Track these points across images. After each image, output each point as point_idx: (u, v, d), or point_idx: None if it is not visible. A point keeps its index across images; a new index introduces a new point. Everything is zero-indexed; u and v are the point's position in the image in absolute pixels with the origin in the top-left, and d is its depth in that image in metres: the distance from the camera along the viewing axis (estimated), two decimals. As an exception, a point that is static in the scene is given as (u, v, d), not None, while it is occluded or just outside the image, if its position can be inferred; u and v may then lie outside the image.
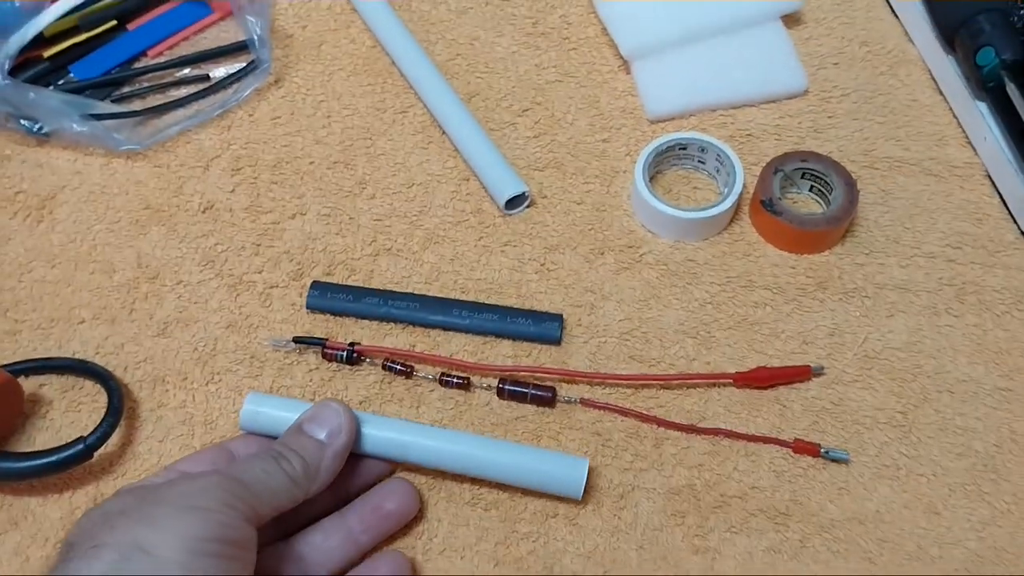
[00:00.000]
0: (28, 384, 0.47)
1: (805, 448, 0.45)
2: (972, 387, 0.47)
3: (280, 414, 0.42)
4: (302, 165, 0.55)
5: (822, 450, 0.45)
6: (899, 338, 0.48)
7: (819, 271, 0.51)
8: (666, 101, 0.56)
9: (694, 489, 0.44)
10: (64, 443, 0.43)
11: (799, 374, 0.47)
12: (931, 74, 0.58)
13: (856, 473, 0.44)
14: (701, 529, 0.43)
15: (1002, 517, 0.43)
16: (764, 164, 0.52)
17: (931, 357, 0.48)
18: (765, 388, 0.47)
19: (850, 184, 0.51)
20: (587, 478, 0.42)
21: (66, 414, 0.47)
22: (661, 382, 0.47)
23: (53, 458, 0.42)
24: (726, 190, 0.51)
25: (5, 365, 0.47)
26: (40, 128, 0.55)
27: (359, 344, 0.47)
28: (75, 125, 0.54)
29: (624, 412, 0.46)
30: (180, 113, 0.57)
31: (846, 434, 0.46)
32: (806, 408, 0.46)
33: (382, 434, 0.43)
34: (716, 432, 0.46)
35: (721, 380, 0.47)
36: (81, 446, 0.43)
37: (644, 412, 0.46)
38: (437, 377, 0.47)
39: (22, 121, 0.55)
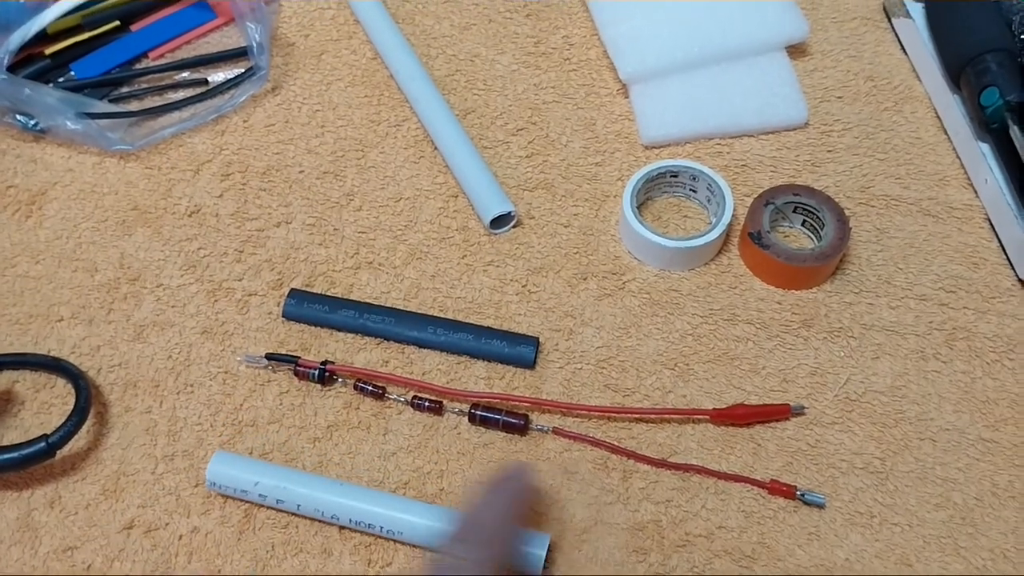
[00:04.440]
0: (1, 380, 0.47)
1: (781, 490, 0.44)
2: (955, 436, 0.45)
3: (245, 476, 0.43)
4: (292, 173, 0.55)
5: (798, 492, 0.44)
6: (883, 381, 0.47)
7: (805, 308, 0.49)
8: (662, 127, 0.55)
9: (659, 526, 0.43)
10: (27, 440, 0.43)
11: (778, 413, 0.46)
12: (936, 112, 0.57)
13: (828, 519, 0.43)
14: (663, 568, 0.42)
15: (977, 574, 0.42)
16: (757, 196, 0.51)
17: (915, 403, 0.46)
18: (742, 426, 0.46)
19: (842, 220, 0.50)
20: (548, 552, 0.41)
21: (37, 414, 0.47)
22: (637, 415, 0.46)
23: (14, 454, 0.42)
24: (715, 220, 0.50)
25: (-23, 359, 0.47)
26: (36, 124, 0.55)
27: (332, 363, 0.47)
28: (69, 123, 0.54)
29: (595, 443, 0.45)
30: (175, 116, 0.57)
31: (821, 477, 0.44)
32: (781, 448, 0.45)
33: (326, 497, 0.42)
34: (688, 468, 0.45)
35: (698, 416, 0.46)
36: (43, 444, 0.42)
37: (615, 444, 0.45)
38: (409, 400, 0.46)
39: (18, 116, 0.55)
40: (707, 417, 0.46)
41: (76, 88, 0.57)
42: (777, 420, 0.46)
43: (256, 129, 0.57)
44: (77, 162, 0.55)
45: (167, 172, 0.55)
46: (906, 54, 0.60)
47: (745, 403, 0.46)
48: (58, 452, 0.43)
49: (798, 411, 0.46)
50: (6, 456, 0.42)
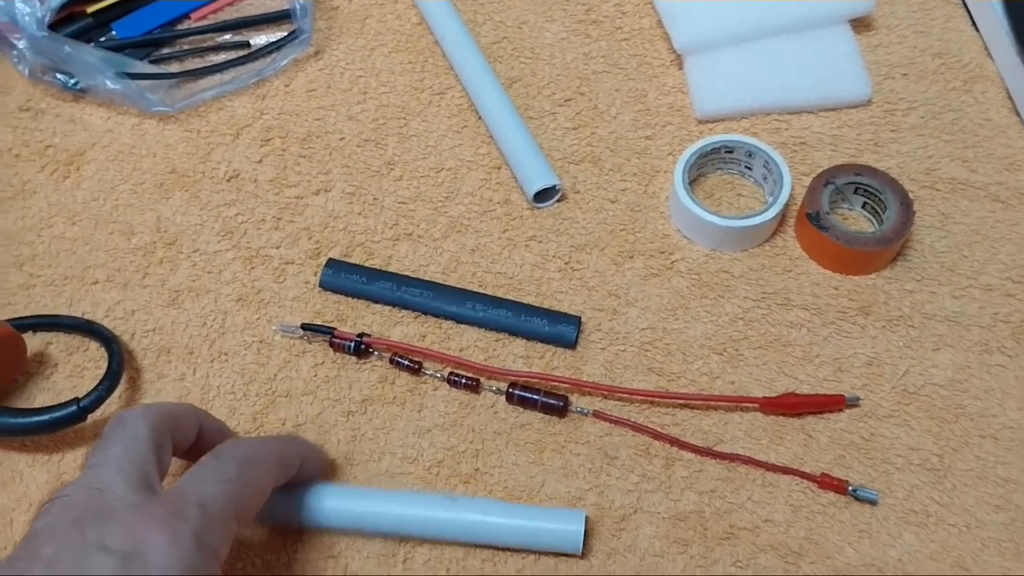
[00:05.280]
0: (35, 342, 0.47)
1: (831, 484, 0.42)
2: (1019, 435, 0.43)
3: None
4: (332, 140, 0.53)
5: (850, 488, 0.42)
6: (944, 374, 0.45)
7: (863, 294, 0.47)
8: (717, 100, 0.53)
9: (702, 516, 0.41)
10: (58, 403, 0.42)
11: (832, 403, 0.44)
12: (1008, 93, 0.54)
13: (881, 516, 0.41)
14: (705, 560, 0.40)
15: (1039, 581, 0.40)
16: (816, 175, 0.49)
17: (977, 398, 0.44)
18: (793, 416, 0.44)
19: (906, 203, 0.47)
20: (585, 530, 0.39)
21: (69, 377, 0.46)
22: (682, 401, 0.44)
23: (45, 417, 0.42)
24: (771, 199, 0.48)
25: (12, 319, 0.46)
26: (76, 83, 0.54)
27: (368, 335, 0.46)
28: (109, 82, 0.53)
29: (637, 428, 0.43)
30: (216, 78, 0.56)
31: (874, 472, 0.42)
32: (833, 440, 0.43)
33: (356, 507, 0.40)
34: (734, 458, 0.43)
35: (747, 404, 0.44)
36: (74, 408, 0.42)
37: (658, 430, 0.43)
38: (445, 376, 0.45)
39: (58, 75, 0.54)
40: (756, 405, 0.44)
41: (117, 48, 0.56)
42: (830, 411, 0.44)
43: (297, 94, 0.55)
44: (116, 123, 0.54)
45: (206, 135, 0.54)
46: (977, 31, 0.56)
47: (797, 392, 0.44)
48: (89, 416, 0.42)
49: (853, 402, 0.44)
50: (37, 419, 0.42)
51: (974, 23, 0.57)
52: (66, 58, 0.53)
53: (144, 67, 0.55)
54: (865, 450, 0.43)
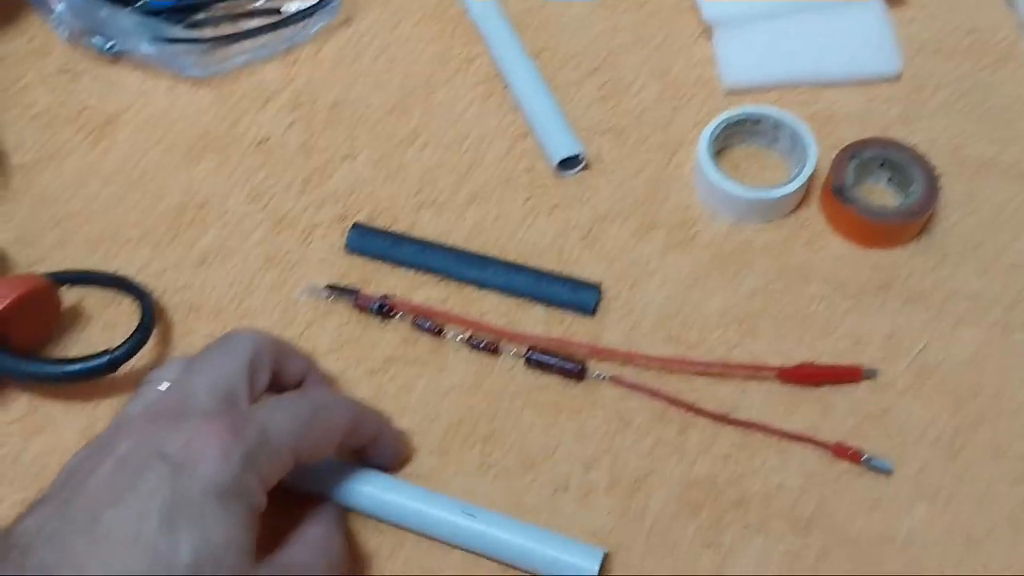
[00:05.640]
0: (70, 296, 0.48)
1: (845, 453, 0.42)
2: (1038, 413, 0.43)
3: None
4: (359, 108, 0.54)
5: (864, 457, 0.42)
6: (963, 352, 0.45)
7: (885, 269, 0.47)
8: (745, 71, 0.53)
9: (715, 482, 0.42)
10: (91, 354, 0.43)
11: (849, 375, 0.44)
12: (1042, 71, 0.53)
13: (893, 488, 0.41)
14: (717, 524, 0.41)
15: (1051, 556, 0.40)
16: (842, 148, 0.49)
17: (995, 376, 0.44)
18: (809, 385, 0.44)
19: (932, 179, 0.47)
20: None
21: (103, 331, 0.47)
22: (699, 368, 0.45)
23: (77, 367, 0.43)
24: (796, 171, 0.48)
25: (48, 273, 0.47)
26: (112, 46, 0.55)
27: (392, 297, 0.47)
28: (145, 46, 0.54)
29: (655, 394, 0.44)
30: (248, 44, 0.57)
31: (890, 443, 0.42)
32: (850, 411, 0.43)
33: (377, 494, 0.40)
34: (749, 424, 0.43)
35: (764, 372, 0.44)
36: (106, 358, 0.43)
37: (674, 396, 0.44)
38: (466, 338, 0.46)
39: (95, 38, 0.55)
40: (773, 374, 0.44)
41: (153, 12, 0.57)
42: (848, 382, 0.44)
43: (326, 61, 0.56)
44: (151, 86, 0.56)
45: (238, 101, 0.55)
46: (1013, 8, 0.56)
47: (814, 362, 0.44)
48: (120, 367, 0.44)
49: (870, 374, 0.44)
50: (69, 368, 0.43)
51: (1009, 0, 0.56)
52: (103, 21, 0.54)
53: (179, 31, 0.56)
54: (881, 422, 0.43)
